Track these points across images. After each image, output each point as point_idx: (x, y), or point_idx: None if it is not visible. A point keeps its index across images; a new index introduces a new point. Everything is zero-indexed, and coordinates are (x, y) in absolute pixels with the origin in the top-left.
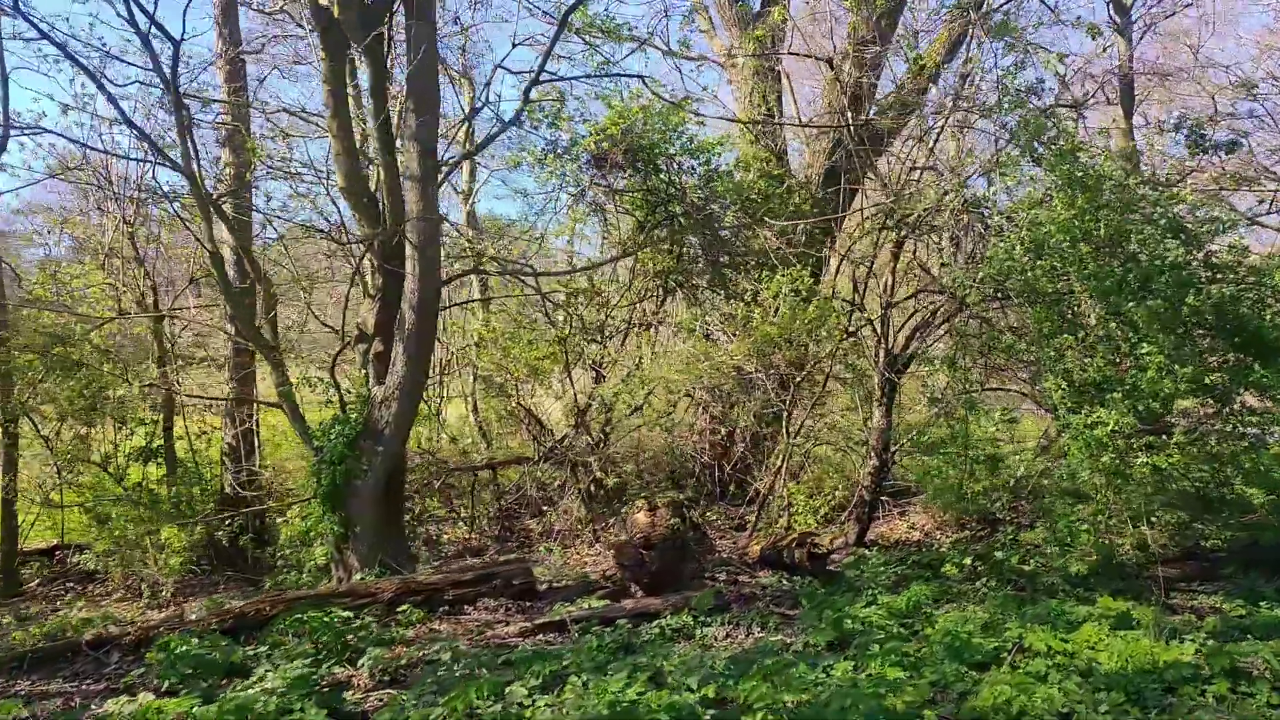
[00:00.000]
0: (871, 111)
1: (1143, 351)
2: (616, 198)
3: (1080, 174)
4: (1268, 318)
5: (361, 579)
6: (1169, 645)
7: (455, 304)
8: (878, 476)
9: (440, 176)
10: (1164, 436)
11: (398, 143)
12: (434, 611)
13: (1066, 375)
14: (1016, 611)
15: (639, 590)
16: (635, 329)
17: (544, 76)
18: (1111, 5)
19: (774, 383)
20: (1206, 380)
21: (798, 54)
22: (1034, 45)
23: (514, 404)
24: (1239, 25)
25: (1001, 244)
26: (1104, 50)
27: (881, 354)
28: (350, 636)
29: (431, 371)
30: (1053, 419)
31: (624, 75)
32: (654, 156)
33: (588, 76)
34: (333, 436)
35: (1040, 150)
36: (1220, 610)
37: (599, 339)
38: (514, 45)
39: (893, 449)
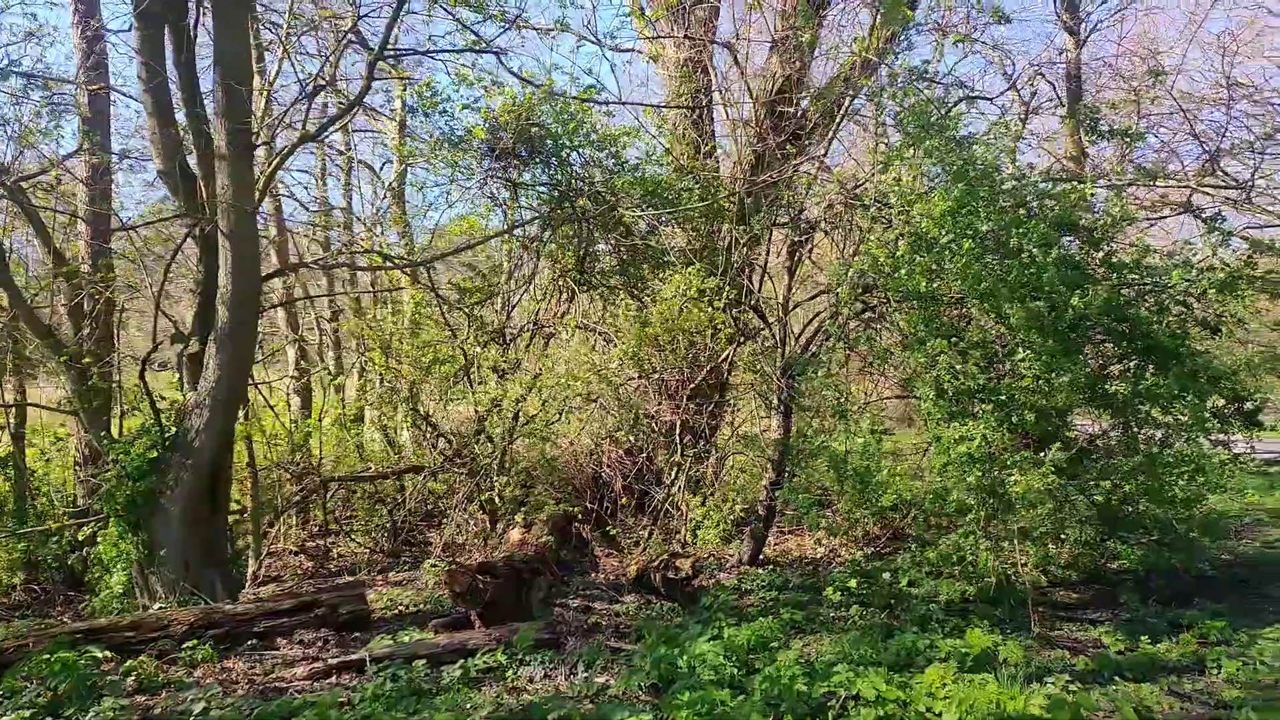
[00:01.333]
0: (805, 105)
1: (1019, 358)
2: (517, 191)
3: (960, 163)
4: (1164, 322)
5: (160, 608)
6: (1024, 690)
7: (281, 304)
8: (774, 490)
9: (275, 161)
10: (1043, 453)
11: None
12: (238, 646)
13: (938, 384)
14: (875, 646)
15: (478, 621)
16: (540, 331)
17: (395, 51)
18: (1060, 2)
19: (668, 389)
20: (1109, 389)
21: (694, 37)
22: (944, 30)
23: (408, 409)
24: (1195, 27)
25: (874, 240)
26: (1061, 52)
27: (779, 359)
28: (99, 681)
29: (343, 374)
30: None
31: (480, 51)
32: (557, 148)
33: (436, 51)
34: (133, 449)
35: (928, 141)
36: (1101, 644)
37: (500, 341)
38: (360, 16)
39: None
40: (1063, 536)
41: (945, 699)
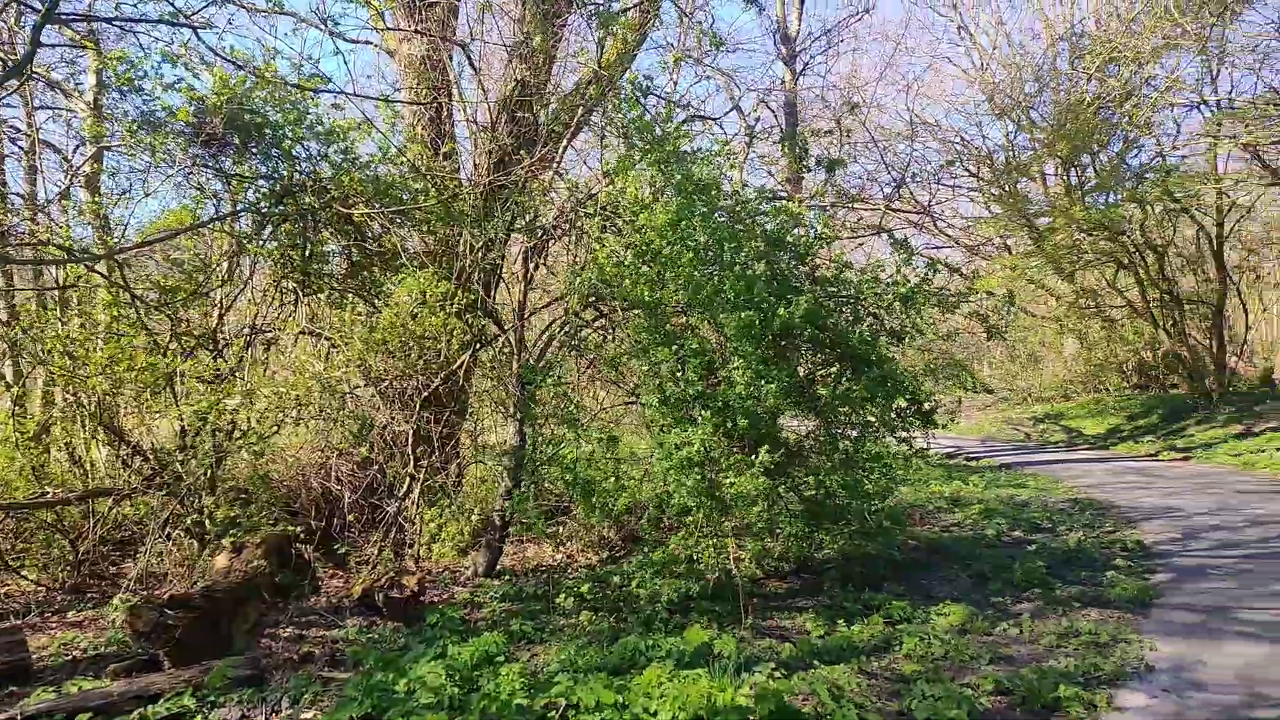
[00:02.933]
0: (544, 115)
1: (733, 365)
2: (231, 183)
3: (679, 177)
4: (858, 331)
5: None
6: (733, 682)
7: None
8: (510, 499)
9: None
10: (755, 455)
11: None
12: None
13: (661, 390)
14: (602, 651)
15: (167, 661)
16: (259, 336)
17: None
18: (778, 35)
19: (401, 397)
20: (816, 393)
21: (428, 32)
22: (674, 51)
23: (96, 425)
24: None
25: (604, 249)
26: (781, 82)
27: (514, 366)
28: None
29: (18, 385)
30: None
31: (175, 24)
32: (277, 139)
33: (123, 20)
34: None
35: (652, 154)
36: (805, 630)
37: (211, 347)
38: None
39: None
40: (776, 531)
41: (661, 698)
